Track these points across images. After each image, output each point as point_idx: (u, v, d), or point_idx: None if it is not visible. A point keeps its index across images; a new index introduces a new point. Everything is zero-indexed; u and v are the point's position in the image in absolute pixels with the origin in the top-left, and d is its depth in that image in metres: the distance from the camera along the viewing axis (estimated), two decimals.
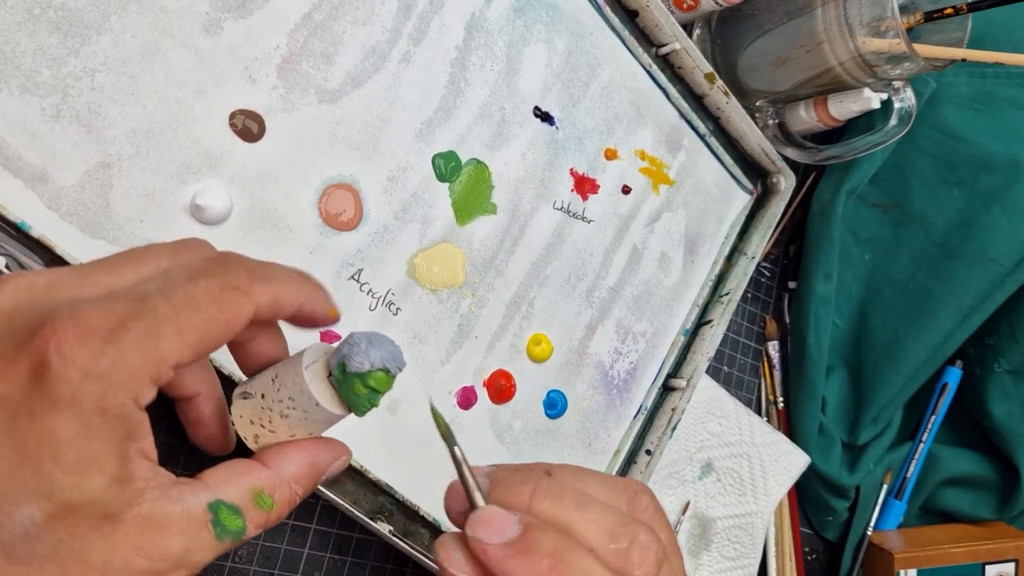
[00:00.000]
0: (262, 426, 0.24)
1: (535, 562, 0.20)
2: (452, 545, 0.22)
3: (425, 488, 0.40)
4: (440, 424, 0.24)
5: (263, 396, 0.24)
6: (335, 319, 0.25)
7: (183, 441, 0.36)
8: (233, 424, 0.25)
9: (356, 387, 0.23)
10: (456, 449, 0.23)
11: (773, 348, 0.62)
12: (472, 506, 0.23)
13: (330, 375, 0.24)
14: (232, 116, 0.35)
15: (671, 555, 0.23)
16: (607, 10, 0.46)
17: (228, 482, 0.22)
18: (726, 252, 0.55)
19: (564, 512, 0.22)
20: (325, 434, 0.25)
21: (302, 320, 0.24)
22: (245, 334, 0.24)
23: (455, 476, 0.24)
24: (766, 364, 0.62)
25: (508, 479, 0.24)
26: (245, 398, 0.25)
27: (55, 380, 0.18)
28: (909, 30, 0.48)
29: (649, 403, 0.50)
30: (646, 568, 0.22)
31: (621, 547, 0.22)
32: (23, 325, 0.19)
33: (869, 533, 0.64)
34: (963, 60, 0.47)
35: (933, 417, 0.65)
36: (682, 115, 0.51)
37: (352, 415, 0.24)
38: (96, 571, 0.18)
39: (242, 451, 0.25)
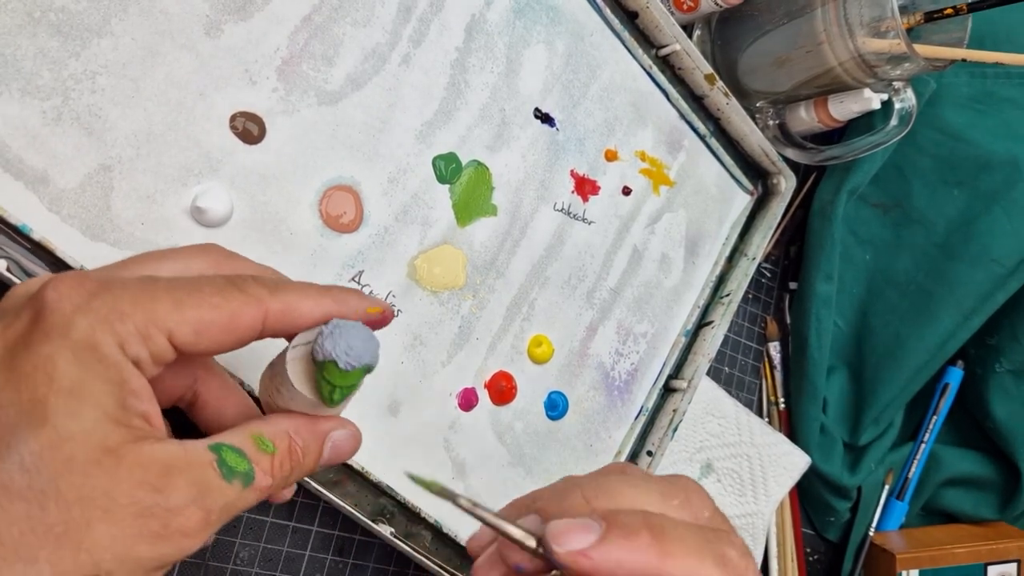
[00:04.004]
0: (270, 396, 0.24)
1: (636, 538, 0.19)
2: (493, 563, 0.22)
3: None
4: (432, 488, 0.21)
5: (272, 366, 0.24)
6: (381, 319, 0.25)
7: None
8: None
9: (321, 377, 0.22)
10: (461, 500, 0.21)
11: (774, 349, 0.62)
12: (512, 540, 0.21)
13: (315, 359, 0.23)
14: (232, 118, 0.35)
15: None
16: (607, 11, 0.46)
17: (230, 432, 0.22)
18: (727, 253, 0.54)
19: (625, 501, 0.20)
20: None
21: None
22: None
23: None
24: (767, 365, 0.62)
25: (546, 501, 0.23)
26: (269, 366, 0.24)
27: (48, 311, 0.19)
28: (909, 30, 0.48)
29: (650, 404, 0.50)
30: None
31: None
32: (37, 289, 0.20)
33: (871, 534, 0.64)
34: (963, 60, 0.47)
35: (934, 417, 0.65)
36: (682, 116, 0.51)
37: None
38: (99, 508, 0.18)
39: None
